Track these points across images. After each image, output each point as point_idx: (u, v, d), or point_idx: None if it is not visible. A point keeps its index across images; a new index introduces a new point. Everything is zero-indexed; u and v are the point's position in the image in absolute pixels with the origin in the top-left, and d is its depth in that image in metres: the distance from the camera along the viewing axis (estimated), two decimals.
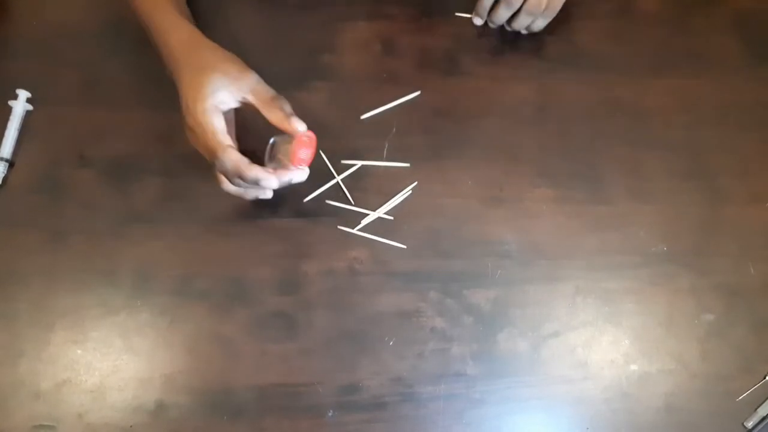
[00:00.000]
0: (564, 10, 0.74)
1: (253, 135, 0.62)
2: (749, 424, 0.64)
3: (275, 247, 0.67)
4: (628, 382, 0.65)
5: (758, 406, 0.65)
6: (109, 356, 0.63)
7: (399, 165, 0.71)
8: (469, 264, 0.68)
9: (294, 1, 0.78)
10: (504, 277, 0.68)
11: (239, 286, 0.66)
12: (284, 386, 0.63)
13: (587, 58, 0.79)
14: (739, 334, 0.67)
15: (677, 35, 0.81)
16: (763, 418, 0.64)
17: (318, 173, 0.70)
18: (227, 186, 0.62)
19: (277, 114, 0.58)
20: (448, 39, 0.78)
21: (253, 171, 0.57)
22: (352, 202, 0.69)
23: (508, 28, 0.76)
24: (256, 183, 0.57)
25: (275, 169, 0.60)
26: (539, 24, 0.73)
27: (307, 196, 0.69)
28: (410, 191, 0.70)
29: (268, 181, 0.57)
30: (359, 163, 0.71)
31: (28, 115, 0.71)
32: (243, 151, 0.59)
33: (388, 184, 0.71)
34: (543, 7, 0.69)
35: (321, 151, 0.71)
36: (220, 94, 0.58)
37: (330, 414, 0.62)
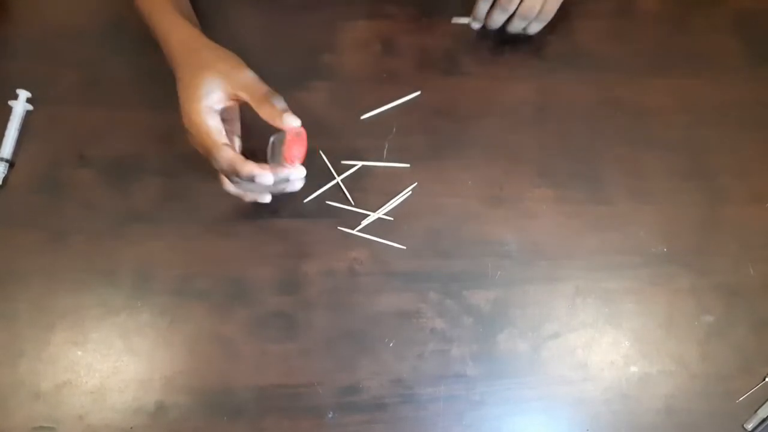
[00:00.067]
0: (564, 9, 0.74)
1: (258, 136, 0.62)
2: (749, 426, 0.64)
3: (275, 247, 0.67)
4: (628, 383, 0.65)
5: (758, 408, 0.65)
6: (110, 357, 0.63)
7: (399, 165, 0.71)
8: (469, 264, 0.68)
9: (294, 1, 0.78)
10: (504, 277, 0.68)
11: (239, 286, 0.66)
12: (284, 386, 0.63)
13: (587, 58, 0.79)
14: (739, 334, 0.67)
15: (677, 35, 0.81)
16: (763, 420, 0.64)
17: (318, 173, 0.70)
18: (228, 186, 0.62)
19: (269, 110, 0.57)
20: (448, 39, 0.78)
21: (248, 167, 0.56)
22: (352, 203, 0.69)
23: (507, 31, 0.76)
24: (251, 179, 0.57)
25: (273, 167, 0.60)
26: (534, 27, 0.73)
27: (307, 196, 0.69)
28: (410, 191, 0.70)
29: (263, 177, 0.56)
30: (359, 164, 0.71)
31: (28, 115, 0.71)
32: (246, 151, 0.59)
33: (388, 185, 0.71)
34: (536, 11, 0.70)
35: (321, 152, 0.71)
36: (215, 94, 0.58)
37: (330, 415, 0.62)
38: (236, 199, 0.68)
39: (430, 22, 0.79)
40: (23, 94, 0.71)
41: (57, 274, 0.65)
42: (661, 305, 0.68)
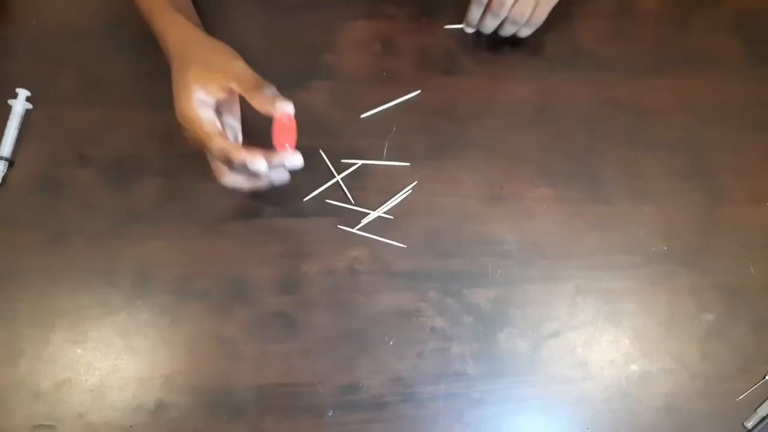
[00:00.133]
0: (564, 9, 0.74)
1: (259, 135, 0.62)
2: (749, 424, 0.64)
3: (275, 247, 0.67)
4: (628, 382, 0.65)
5: (758, 406, 0.65)
6: (109, 356, 0.63)
7: (399, 164, 0.71)
8: (469, 264, 0.68)
9: (294, 1, 0.78)
10: (504, 276, 0.68)
11: (239, 286, 0.66)
12: (284, 386, 0.63)
13: (587, 58, 0.79)
14: (739, 334, 0.67)
15: (677, 35, 0.81)
16: (763, 418, 0.64)
17: (318, 172, 0.70)
18: (225, 179, 0.61)
19: (261, 99, 0.57)
20: (447, 39, 0.78)
21: (240, 153, 0.56)
22: (352, 202, 0.69)
23: (499, 35, 0.76)
24: (244, 166, 0.56)
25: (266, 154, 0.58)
26: (525, 32, 0.74)
27: (306, 195, 0.69)
28: (410, 191, 0.70)
29: (256, 163, 0.56)
30: (359, 163, 0.71)
31: (27, 114, 0.71)
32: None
33: (388, 184, 0.71)
34: (527, 16, 0.70)
35: (321, 150, 0.71)
36: (206, 87, 0.57)
37: (330, 414, 0.62)
38: (236, 199, 0.68)
39: (430, 22, 0.79)
40: (23, 92, 0.71)
41: (57, 274, 0.65)
42: (661, 305, 0.68)
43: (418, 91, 0.75)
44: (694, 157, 0.75)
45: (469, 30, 0.75)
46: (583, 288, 0.68)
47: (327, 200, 0.69)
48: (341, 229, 0.68)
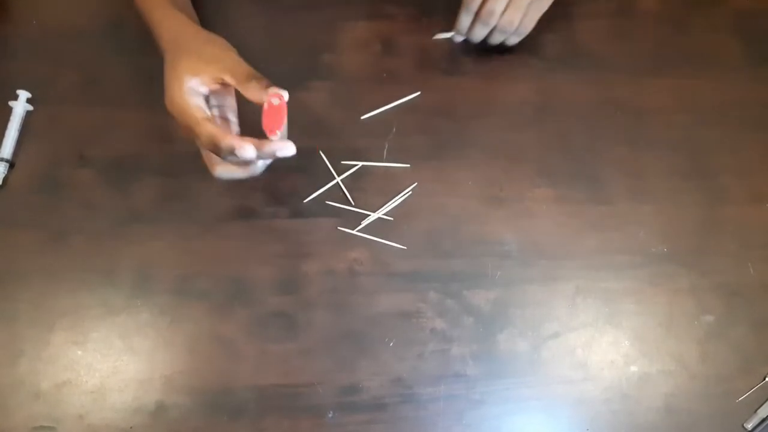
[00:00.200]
0: (564, 9, 0.74)
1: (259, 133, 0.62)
2: (749, 426, 0.64)
3: (275, 247, 0.67)
4: (628, 383, 0.65)
5: (758, 408, 0.65)
6: (110, 357, 0.63)
7: (399, 165, 0.71)
8: (469, 264, 0.68)
9: (294, 1, 0.78)
10: (504, 277, 0.68)
11: (239, 286, 0.66)
12: (284, 386, 0.63)
13: (587, 58, 0.79)
14: (739, 334, 0.67)
15: (677, 35, 0.81)
16: (763, 420, 0.64)
17: (318, 173, 0.70)
18: (217, 169, 0.60)
19: (254, 89, 0.56)
20: (447, 39, 0.78)
21: (228, 139, 0.54)
22: (352, 203, 0.69)
23: (488, 43, 0.76)
24: (232, 153, 0.54)
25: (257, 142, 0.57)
26: (513, 40, 0.74)
27: (307, 196, 0.69)
28: (410, 192, 0.70)
29: (243, 150, 0.54)
30: (359, 164, 0.71)
31: (28, 115, 0.71)
32: None
33: (388, 185, 0.71)
34: (515, 25, 0.71)
35: (321, 152, 0.71)
36: (198, 77, 0.57)
37: (330, 415, 0.62)
38: (236, 199, 0.68)
39: (430, 22, 0.78)
40: (23, 94, 0.71)
41: (57, 274, 0.65)
42: (661, 305, 0.68)
43: (418, 92, 0.75)
44: (694, 157, 0.75)
45: (459, 38, 0.75)
46: (583, 288, 0.68)
47: (327, 201, 0.69)
48: (341, 230, 0.68)
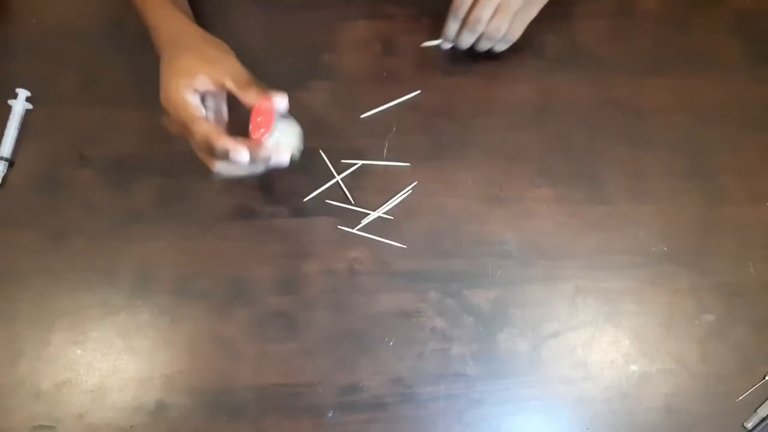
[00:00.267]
0: (564, 9, 0.74)
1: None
2: (749, 425, 0.64)
3: (275, 247, 0.67)
4: (628, 382, 0.65)
5: (758, 407, 0.65)
6: (109, 356, 0.63)
7: (399, 164, 0.71)
8: (469, 264, 0.68)
9: (294, 1, 0.78)
10: (504, 277, 0.68)
11: (239, 286, 0.66)
12: (284, 386, 0.63)
13: (587, 58, 0.79)
14: (739, 334, 0.67)
15: (677, 35, 0.81)
16: (763, 419, 0.64)
17: (318, 173, 0.70)
18: (216, 167, 0.59)
19: (253, 95, 0.56)
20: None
21: (222, 140, 0.54)
22: (352, 202, 0.69)
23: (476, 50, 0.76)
24: (225, 155, 0.55)
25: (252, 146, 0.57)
26: (500, 47, 0.73)
27: (307, 195, 0.69)
28: (410, 191, 0.70)
29: (237, 153, 0.54)
30: (359, 163, 0.71)
31: (27, 114, 0.71)
32: None
33: (388, 184, 0.71)
34: (502, 33, 0.70)
35: (321, 151, 0.71)
36: (197, 76, 0.57)
37: (330, 414, 0.62)
38: (236, 199, 0.68)
39: (430, 22, 0.78)
40: (23, 93, 0.71)
41: (57, 274, 0.65)
42: (661, 305, 0.68)
43: (418, 92, 0.75)
44: (694, 157, 0.75)
45: (446, 46, 0.75)
46: (583, 288, 0.68)
47: (327, 200, 0.69)
48: (341, 229, 0.68)
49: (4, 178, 0.68)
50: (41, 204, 0.68)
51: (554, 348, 0.66)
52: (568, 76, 0.77)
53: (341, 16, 0.78)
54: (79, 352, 0.63)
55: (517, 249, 0.69)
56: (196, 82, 0.57)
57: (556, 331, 0.66)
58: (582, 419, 0.64)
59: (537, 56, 0.78)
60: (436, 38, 0.74)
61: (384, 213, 0.69)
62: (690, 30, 0.81)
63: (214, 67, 0.58)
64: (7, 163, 0.68)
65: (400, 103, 0.74)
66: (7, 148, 0.69)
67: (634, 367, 0.66)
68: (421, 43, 0.76)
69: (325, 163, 0.71)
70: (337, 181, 0.70)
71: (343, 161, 0.71)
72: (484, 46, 0.73)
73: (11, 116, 0.70)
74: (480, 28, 0.69)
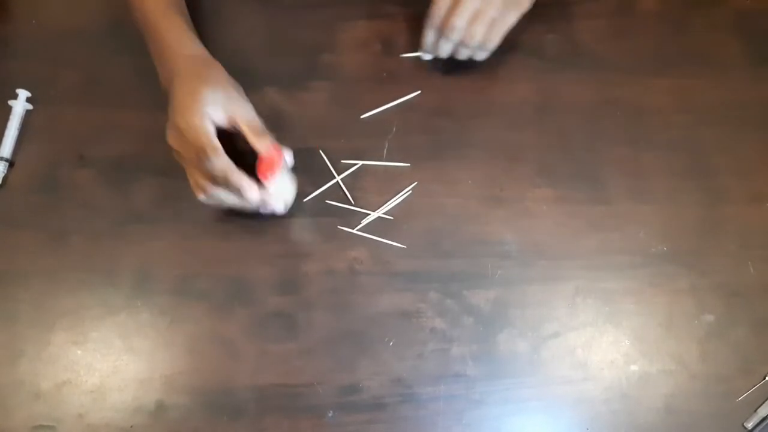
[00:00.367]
0: (564, 9, 0.74)
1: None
2: (749, 425, 0.64)
3: (275, 247, 0.67)
4: (628, 382, 0.65)
5: (758, 407, 0.65)
6: (109, 356, 0.63)
7: (399, 165, 0.71)
8: (469, 264, 0.68)
9: (294, 1, 0.78)
10: (504, 277, 0.68)
11: (239, 286, 0.66)
12: (284, 386, 0.63)
13: (587, 57, 0.79)
14: (739, 334, 0.67)
15: (677, 35, 0.81)
16: (764, 419, 0.64)
17: (318, 173, 0.70)
18: (206, 194, 0.61)
19: (266, 143, 0.59)
20: None
21: (237, 177, 0.58)
22: (352, 202, 0.69)
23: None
24: (238, 190, 0.58)
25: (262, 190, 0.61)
26: (480, 55, 0.72)
27: (307, 196, 0.69)
28: (410, 191, 0.70)
29: (249, 192, 0.58)
30: (359, 163, 0.71)
31: (28, 114, 0.71)
32: None
33: (388, 184, 0.71)
34: (477, 40, 0.69)
35: (321, 151, 0.71)
36: (218, 111, 0.59)
37: (330, 414, 0.62)
38: None
39: None
40: (23, 93, 0.71)
41: (57, 274, 0.65)
42: (661, 305, 0.68)
43: (418, 92, 0.75)
44: (694, 157, 0.75)
45: (427, 56, 0.74)
46: (582, 288, 0.68)
47: (327, 201, 0.69)
48: (341, 229, 0.68)
49: (4, 178, 0.68)
50: (41, 204, 0.68)
51: (554, 348, 0.66)
52: (568, 76, 0.77)
53: (341, 16, 0.78)
54: (79, 352, 0.63)
55: (517, 249, 0.69)
56: (216, 116, 0.58)
57: (556, 332, 0.66)
58: (582, 420, 0.64)
59: (537, 56, 0.78)
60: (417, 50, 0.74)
61: (384, 213, 0.69)
62: (690, 30, 0.81)
63: (236, 109, 0.60)
64: (7, 164, 0.68)
65: (400, 103, 0.74)
66: (7, 148, 0.69)
67: (634, 368, 0.66)
68: (422, 42, 0.76)
69: (325, 163, 0.71)
70: (337, 181, 0.70)
71: (343, 161, 0.71)
72: (463, 54, 0.72)
73: (11, 116, 0.70)
74: (456, 37, 0.69)
